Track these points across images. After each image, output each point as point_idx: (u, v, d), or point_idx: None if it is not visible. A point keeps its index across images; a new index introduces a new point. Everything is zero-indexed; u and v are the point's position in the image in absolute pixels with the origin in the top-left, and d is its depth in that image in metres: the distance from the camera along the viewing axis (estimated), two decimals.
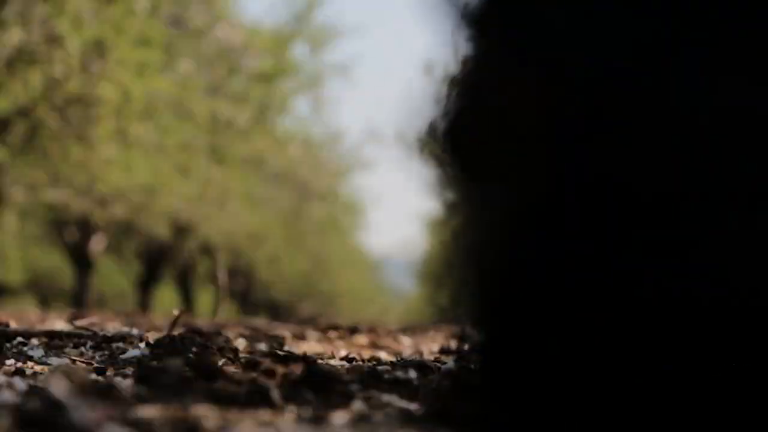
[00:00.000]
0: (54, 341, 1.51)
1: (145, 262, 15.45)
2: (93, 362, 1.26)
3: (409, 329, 3.97)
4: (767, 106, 0.90)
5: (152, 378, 0.86)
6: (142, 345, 1.42)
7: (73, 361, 1.27)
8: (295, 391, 0.85)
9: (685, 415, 0.94)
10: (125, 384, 0.88)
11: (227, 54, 11.39)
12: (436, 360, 1.44)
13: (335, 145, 18.95)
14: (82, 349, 1.44)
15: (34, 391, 0.85)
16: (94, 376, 1.08)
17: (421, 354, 1.87)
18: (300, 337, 2.35)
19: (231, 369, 1.00)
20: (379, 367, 1.29)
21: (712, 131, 0.90)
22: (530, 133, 0.94)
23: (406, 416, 0.78)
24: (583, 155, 0.90)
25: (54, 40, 6.58)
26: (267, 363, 1.19)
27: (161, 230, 12.77)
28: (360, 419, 0.77)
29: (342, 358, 1.56)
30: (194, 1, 10.59)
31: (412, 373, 1.04)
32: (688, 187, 0.88)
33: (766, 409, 0.94)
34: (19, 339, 1.50)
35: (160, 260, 15.20)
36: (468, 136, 1.05)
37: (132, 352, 1.29)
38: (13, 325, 1.71)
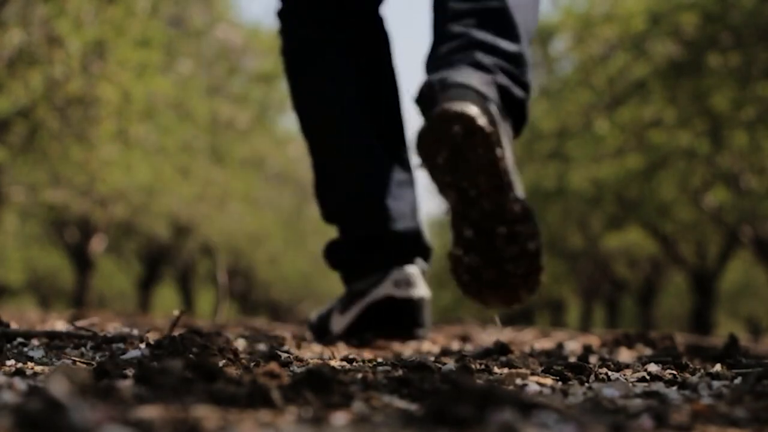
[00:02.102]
0: (54, 342, 1.51)
1: (145, 263, 15.45)
2: (93, 363, 1.26)
3: None
4: None
5: (152, 379, 0.86)
6: (143, 346, 1.42)
7: (74, 361, 1.27)
8: (295, 391, 0.85)
9: None
10: (125, 384, 0.88)
11: (227, 54, 11.40)
12: (437, 361, 1.44)
13: None
14: (83, 349, 1.44)
15: (34, 391, 0.85)
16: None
17: (421, 354, 1.87)
18: (300, 338, 2.35)
19: (231, 370, 1.01)
20: (380, 368, 1.29)
21: None
22: None
23: (406, 417, 0.78)
24: None
25: (54, 40, 6.58)
26: (267, 364, 1.19)
27: (161, 230, 12.76)
28: (360, 420, 0.77)
29: (342, 359, 1.56)
30: (194, 1, 10.60)
31: (413, 374, 1.04)
32: None
33: None
34: (20, 339, 1.50)
35: (160, 260, 15.20)
36: None
37: (132, 353, 1.29)
38: (14, 325, 1.71)
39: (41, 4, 6.46)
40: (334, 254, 2.11)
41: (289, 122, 15.93)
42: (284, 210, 16.65)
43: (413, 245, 2.06)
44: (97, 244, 12.60)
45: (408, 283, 1.99)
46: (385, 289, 1.98)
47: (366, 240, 2.01)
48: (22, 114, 7.17)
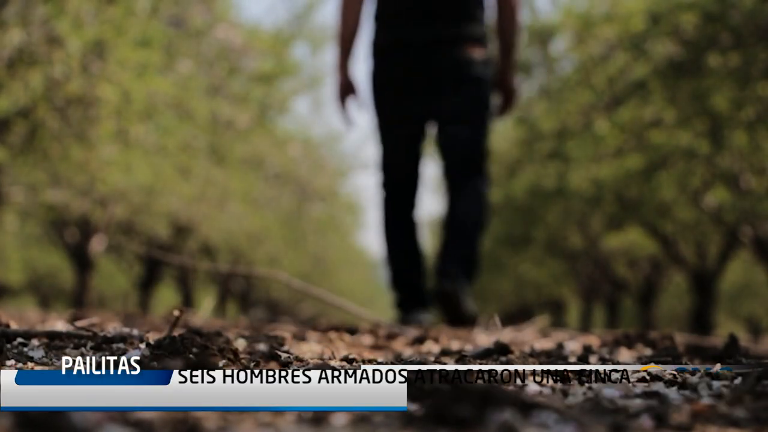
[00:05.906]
0: (54, 342, 1.51)
1: (145, 263, 15.45)
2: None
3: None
4: None
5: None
6: (143, 346, 1.42)
7: (74, 361, 1.27)
8: None
9: None
10: None
11: (227, 54, 11.39)
12: (437, 361, 1.44)
13: (335, 145, 18.97)
14: (83, 349, 1.44)
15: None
16: None
17: (421, 354, 1.87)
18: (300, 338, 2.35)
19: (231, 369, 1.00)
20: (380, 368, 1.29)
21: None
22: None
23: (406, 417, 0.78)
24: None
25: (54, 40, 6.58)
26: (267, 364, 1.19)
27: (161, 230, 12.76)
28: (360, 420, 0.77)
29: (342, 359, 1.56)
30: (194, 1, 10.59)
31: (412, 374, 1.04)
32: None
33: None
34: (20, 339, 1.50)
35: (160, 260, 15.19)
36: None
37: (132, 353, 1.29)
38: (14, 325, 1.71)
39: (41, 4, 6.46)
40: (399, 303, 4.42)
41: (289, 122, 15.93)
42: (284, 210, 16.66)
43: (429, 302, 4.47)
44: (97, 244, 12.60)
45: (426, 318, 4.35)
46: (419, 318, 4.28)
47: (412, 299, 4.40)
48: (22, 114, 7.17)
